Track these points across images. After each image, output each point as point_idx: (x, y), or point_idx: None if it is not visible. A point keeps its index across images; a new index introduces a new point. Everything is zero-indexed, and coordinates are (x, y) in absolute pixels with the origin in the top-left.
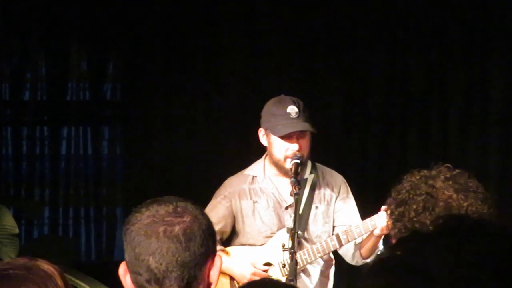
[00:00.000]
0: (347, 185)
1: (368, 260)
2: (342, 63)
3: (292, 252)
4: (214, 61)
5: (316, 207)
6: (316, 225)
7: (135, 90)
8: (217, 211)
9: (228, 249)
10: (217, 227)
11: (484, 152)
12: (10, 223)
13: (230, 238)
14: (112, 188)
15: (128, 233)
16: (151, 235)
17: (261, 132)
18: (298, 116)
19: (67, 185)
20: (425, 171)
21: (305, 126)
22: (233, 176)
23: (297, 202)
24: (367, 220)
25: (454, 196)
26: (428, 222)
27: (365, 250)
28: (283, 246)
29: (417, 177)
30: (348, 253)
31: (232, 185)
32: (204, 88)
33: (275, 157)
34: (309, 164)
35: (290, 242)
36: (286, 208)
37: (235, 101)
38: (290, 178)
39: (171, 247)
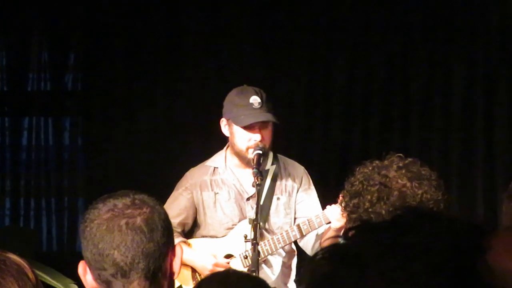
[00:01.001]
0: (308, 176)
1: None
2: (304, 53)
3: (254, 243)
4: (176, 51)
5: (278, 198)
6: (278, 216)
7: (97, 80)
8: (178, 203)
9: (189, 241)
10: (178, 219)
11: (446, 142)
12: None
13: (191, 230)
14: (73, 179)
15: (87, 230)
16: (113, 229)
17: (223, 122)
18: (260, 107)
19: (28, 176)
20: (377, 162)
21: (268, 116)
22: (194, 168)
23: (259, 193)
24: (327, 209)
25: (408, 184)
26: (383, 212)
27: (325, 243)
28: (245, 237)
29: (370, 168)
30: (308, 245)
31: (194, 176)
32: (166, 79)
33: (237, 148)
34: (271, 155)
35: (252, 233)
36: (248, 199)
37: (197, 92)
38: (252, 168)
39: (135, 239)
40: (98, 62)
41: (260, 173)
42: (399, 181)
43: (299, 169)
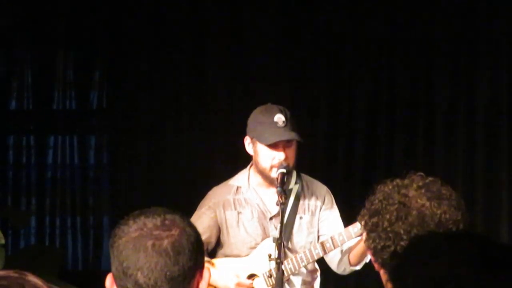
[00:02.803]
0: (331, 195)
1: (356, 268)
2: (329, 73)
3: (279, 262)
4: (200, 70)
5: (301, 218)
6: (301, 236)
7: (121, 98)
8: (202, 222)
9: (213, 260)
10: (202, 238)
11: (470, 159)
12: None
13: (214, 249)
14: (98, 197)
15: (115, 246)
16: (139, 249)
17: (247, 141)
18: (285, 125)
19: (53, 194)
20: (397, 180)
21: (292, 135)
22: (217, 186)
23: (283, 212)
24: (350, 227)
25: (427, 204)
26: (402, 231)
27: (353, 256)
28: (270, 256)
29: (390, 187)
30: (334, 259)
31: (217, 195)
32: (190, 97)
33: (261, 166)
34: (294, 174)
35: (277, 252)
36: (271, 218)
37: (221, 110)
38: (276, 187)
39: (160, 262)
40: (122, 80)
41: (284, 192)
42: (419, 200)
43: (322, 189)
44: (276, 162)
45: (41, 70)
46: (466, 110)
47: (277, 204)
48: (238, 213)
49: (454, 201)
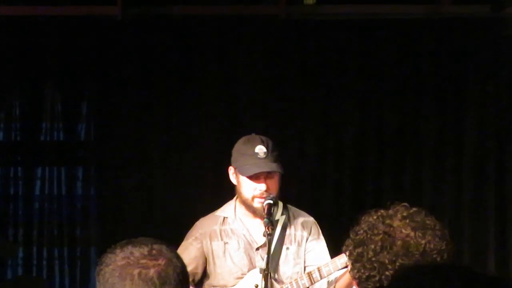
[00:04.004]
0: (318, 226)
1: None
2: (317, 104)
3: None
4: (188, 102)
5: (287, 248)
6: (287, 266)
7: (109, 130)
8: (188, 253)
9: None
10: (188, 269)
11: (458, 193)
12: None
13: (201, 280)
14: (86, 229)
15: (101, 274)
16: (125, 277)
17: (231, 171)
18: (266, 156)
19: (41, 225)
20: (382, 211)
21: (272, 166)
22: (204, 217)
23: (270, 243)
24: (336, 258)
25: (412, 234)
26: (386, 261)
27: (339, 287)
28: (256, 286)
29: (374, 217)
30: None
31: (203, 226)
32: (178, 128)
33: (243, 196)
34: (280, 205)
35: (263, 282)
36: (257, 249)
37: (210, 141)
38: (263, 218)
39: None
40: (110, 112)
41: (271, 223)
42: (403, 230)
43: (309, 220)
44: (257, 193)
45: (29, 101)
46: (453, 142)
47: (264, 235)
48: (225, 243)
49: (439, 231)
